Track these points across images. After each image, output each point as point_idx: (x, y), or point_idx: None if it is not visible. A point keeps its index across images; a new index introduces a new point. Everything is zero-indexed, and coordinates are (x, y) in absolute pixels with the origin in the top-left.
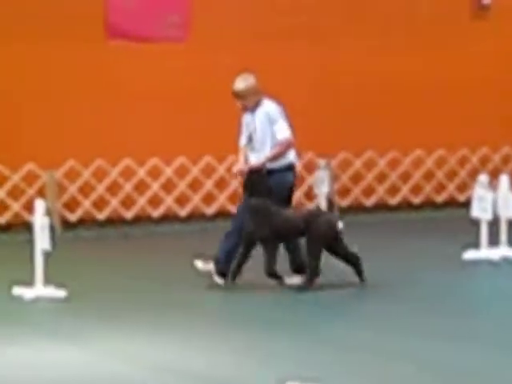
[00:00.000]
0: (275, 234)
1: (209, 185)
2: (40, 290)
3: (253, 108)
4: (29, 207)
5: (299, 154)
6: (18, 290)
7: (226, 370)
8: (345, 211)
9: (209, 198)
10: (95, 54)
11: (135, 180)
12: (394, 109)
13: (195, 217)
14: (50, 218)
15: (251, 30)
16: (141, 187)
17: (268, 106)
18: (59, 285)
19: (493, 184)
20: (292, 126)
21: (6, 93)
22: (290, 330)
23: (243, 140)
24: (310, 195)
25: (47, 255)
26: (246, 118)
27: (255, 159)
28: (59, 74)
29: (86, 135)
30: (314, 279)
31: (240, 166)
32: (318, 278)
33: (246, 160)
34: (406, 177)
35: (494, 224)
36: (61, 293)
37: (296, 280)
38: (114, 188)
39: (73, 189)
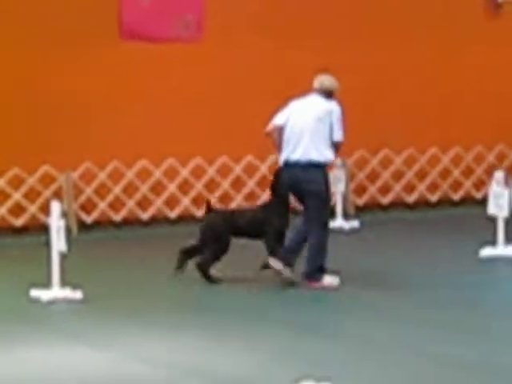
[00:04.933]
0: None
1: (225, 185)
2: (57, 291)
3: None
4: (45, 209)
5: None
6: (35, 292)
7: (246, 370)
8: (361, 209)
9: (225, 198)
10: (109, 56)
11: (151, 181)
12: (410, 107)
13: None
14: (66, 219)
15: (264, 27)
16: (157, 188)
17: None
18: (76, 286)
19: (509, 181)
20: None
21: (21, 96)
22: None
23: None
24: None
25: (63, 257)
26: None
27: None
28: (72, 76)
29: (101, 137)
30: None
31: None
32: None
33: None
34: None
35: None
36: (77, 294)
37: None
38: (129, 189)
39: (89, 190)
